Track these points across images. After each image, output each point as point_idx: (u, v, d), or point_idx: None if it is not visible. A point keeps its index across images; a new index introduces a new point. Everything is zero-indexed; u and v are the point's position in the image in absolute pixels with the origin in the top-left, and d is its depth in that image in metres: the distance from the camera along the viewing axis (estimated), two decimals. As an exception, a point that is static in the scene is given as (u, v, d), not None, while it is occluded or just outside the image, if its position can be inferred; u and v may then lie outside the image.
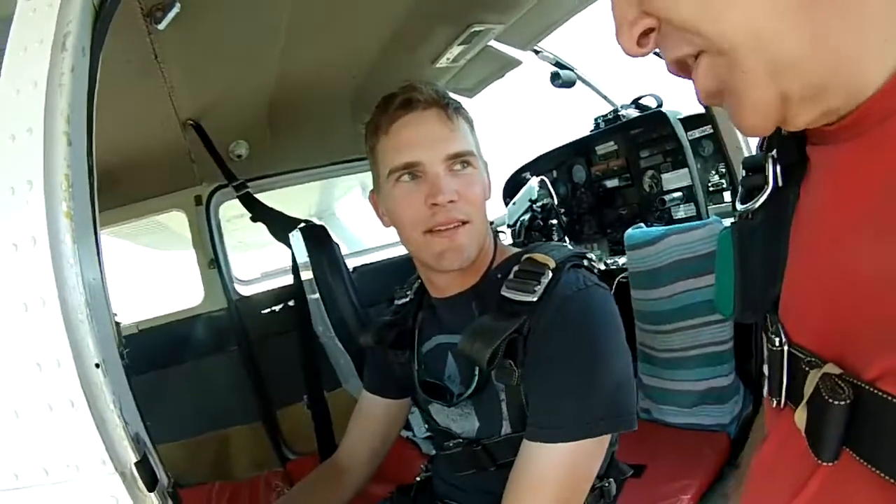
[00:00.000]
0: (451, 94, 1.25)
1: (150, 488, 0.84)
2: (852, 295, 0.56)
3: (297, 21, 1.95)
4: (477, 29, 2.29)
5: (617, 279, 2.67)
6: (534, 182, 3.06)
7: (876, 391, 0.51)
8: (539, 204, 3.01)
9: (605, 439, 1.11)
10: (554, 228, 2.99)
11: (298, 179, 3.33)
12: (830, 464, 0.57)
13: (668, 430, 1.36)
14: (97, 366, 0.81)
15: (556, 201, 2.99)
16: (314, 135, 3.04)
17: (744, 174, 0.81)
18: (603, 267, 2.90)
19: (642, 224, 2.59)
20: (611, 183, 3.03)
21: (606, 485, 1.25)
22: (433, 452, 1.51)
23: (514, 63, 2.75)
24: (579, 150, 3.17)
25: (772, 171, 0.74)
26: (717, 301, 0.89)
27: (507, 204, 3.33)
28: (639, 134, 2.85)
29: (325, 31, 2.12)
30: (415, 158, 1.18)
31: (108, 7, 0.95)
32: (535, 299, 1.11)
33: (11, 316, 0.81)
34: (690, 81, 0.60)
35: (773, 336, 0.69)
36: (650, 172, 2.80)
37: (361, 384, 1.62)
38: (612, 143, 2.97)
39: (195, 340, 3.14)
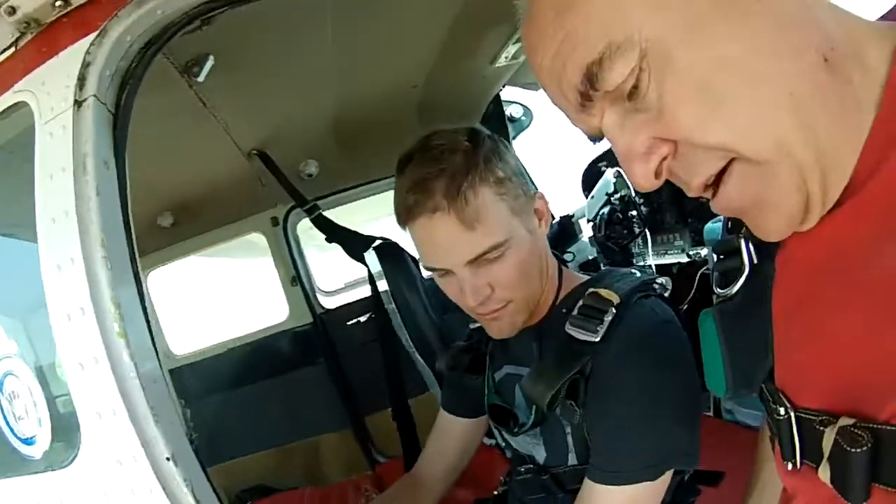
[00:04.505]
0: (479, 154, 1.12)
1: None
2: (854, 350, 0.58)
3: (343, 43, 1.94)
4: (531, 26, 2.21)
5: (700, 271, 2.55)
6: (609, 174, 2.95)
7: (894, 428, 0.54)
8: (617, 196, 2.92)
9: (667, 476, 1.08)
10: (634, 220, 2.89)
11: (372, 191, 3.33)
12: None
13: (751, 433, 1.27)
14: (168, 459, 0.88)
15: (633, 192, 2.88)
16: (383, 145, 2.98)
17: (716, 258, 0.83)
18: (686, 259, 2.77)
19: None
20: (688, 170, 2.87)
21: None
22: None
23: (574, 51, 2.65)
24: (653, 137, 3.02)
25: (746, 251, 0.76)
26: (708, 382, 0.87)
27: (586, 196, 3.25)
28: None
29: (374, 48, 2.10)
30: (436, 265, 1.16)
31: (122, 111, 0.98)
32: (597, 339, 1.08)
33: (91, 423, 0.90)
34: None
35: (776, 406, 0.70)
36: (727, 158, 2.63)
37: (442, 393, 1.65)
38: (685, 128, 2.82)
39: (283, 355, 3.26)
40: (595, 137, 0.65)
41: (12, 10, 0.93)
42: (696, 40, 0.54)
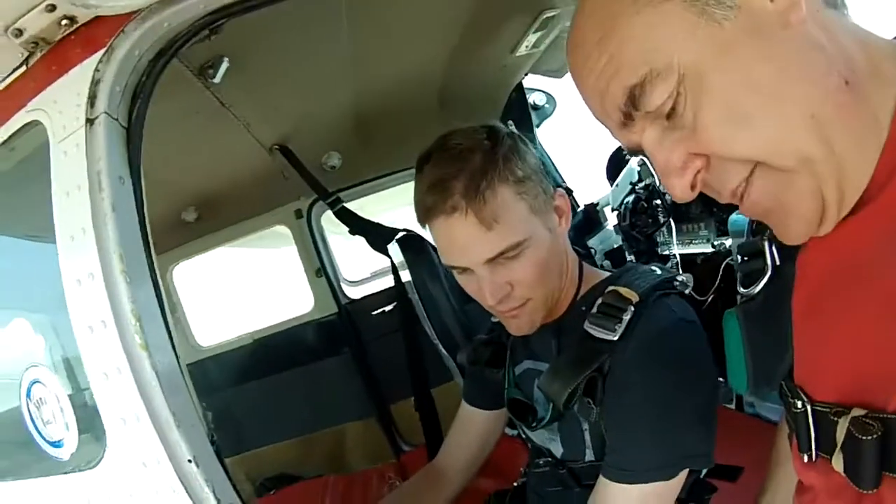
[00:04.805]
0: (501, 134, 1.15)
1: None
2: (866, 347, 0.62)
3: (360, 35, 1.93)
4: (549, 14, 2.17)
5: (725, 262, 2.50)
6: (634, 163, 2.91)
7: None
8: (641, 185, 2.87)
9: (682, 476, 1.08)
10: (659, 209, 2.83)
11: (395, 181, 3.32)
12: (872, 492, 0.61)
13: (772, 427, 1.25)
14: (190, 461, 0.90)
15: (658, 181, 2.83)
16: (405, 135, 2.97)
17: (740, 259, 0.89)
18: (710, 249, 2.72)
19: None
20: (713, 159, 2.80)
21: None
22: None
23: (597, 38, 2.59)
24: (679, 125, 2.95)
25: (769, 253, 0.83)
26: (730, 380, 0.92)
27: (611, 184, 3.21)
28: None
29: (391, 39, 2.09)
30: (455, 263, 1.15)
31: (135, 124, 0.98)
32: (615, 338, 1.08)
33: (116, 428, 0.92)
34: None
35: (794, 401, 0.73)
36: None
37: (465, 382, 1.66)
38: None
39: (308, 345, 3.29)
40: (634, 151, 0.69)
41: (19, 33, 0.94)
42: (727, 64, 0.58)
